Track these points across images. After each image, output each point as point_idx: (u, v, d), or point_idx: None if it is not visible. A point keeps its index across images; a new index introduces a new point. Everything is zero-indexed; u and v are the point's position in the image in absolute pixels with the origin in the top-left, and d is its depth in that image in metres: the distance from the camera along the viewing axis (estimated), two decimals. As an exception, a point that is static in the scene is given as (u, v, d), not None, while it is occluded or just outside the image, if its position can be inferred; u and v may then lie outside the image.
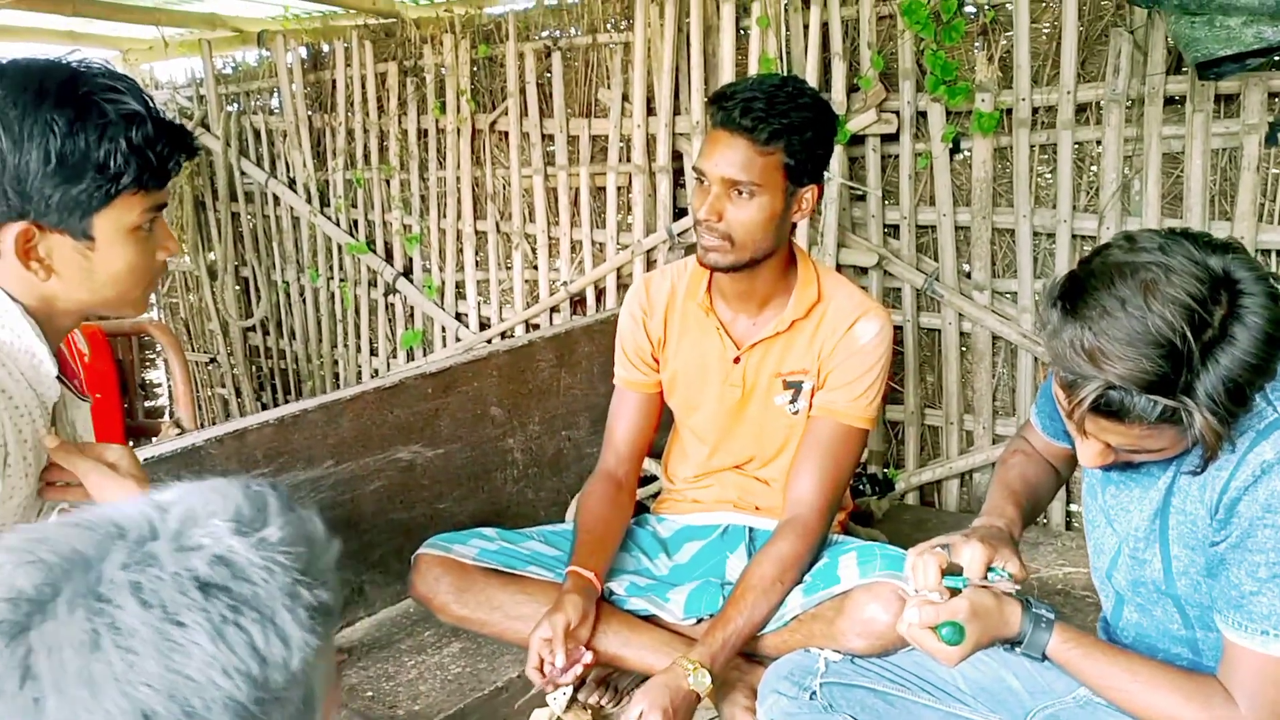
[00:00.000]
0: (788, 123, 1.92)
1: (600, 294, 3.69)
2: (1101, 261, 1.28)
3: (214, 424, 3.05)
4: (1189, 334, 1.18)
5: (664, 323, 2.25)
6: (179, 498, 0.72)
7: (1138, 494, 1.47)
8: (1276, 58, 2.45)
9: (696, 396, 2.24)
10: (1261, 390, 1.30)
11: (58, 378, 1.33)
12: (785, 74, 3.02)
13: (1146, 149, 2.67)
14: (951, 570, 1.48)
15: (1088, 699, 1.59)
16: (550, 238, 3.81)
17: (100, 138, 1.21)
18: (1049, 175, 2.88)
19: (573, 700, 2.08)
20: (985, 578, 1.46)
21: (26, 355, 1.29)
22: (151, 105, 1.27)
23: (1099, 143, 2.76)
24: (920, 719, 1.69)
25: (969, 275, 3.00)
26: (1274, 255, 2.60)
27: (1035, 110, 2.83)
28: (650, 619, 2.13)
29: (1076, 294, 1.26)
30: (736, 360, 2.16)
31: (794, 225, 2.08)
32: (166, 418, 4.63)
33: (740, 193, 1.95)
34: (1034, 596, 1.70)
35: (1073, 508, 2.95)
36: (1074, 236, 2.80)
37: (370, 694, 2.05)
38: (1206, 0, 2.27)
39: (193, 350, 5.30)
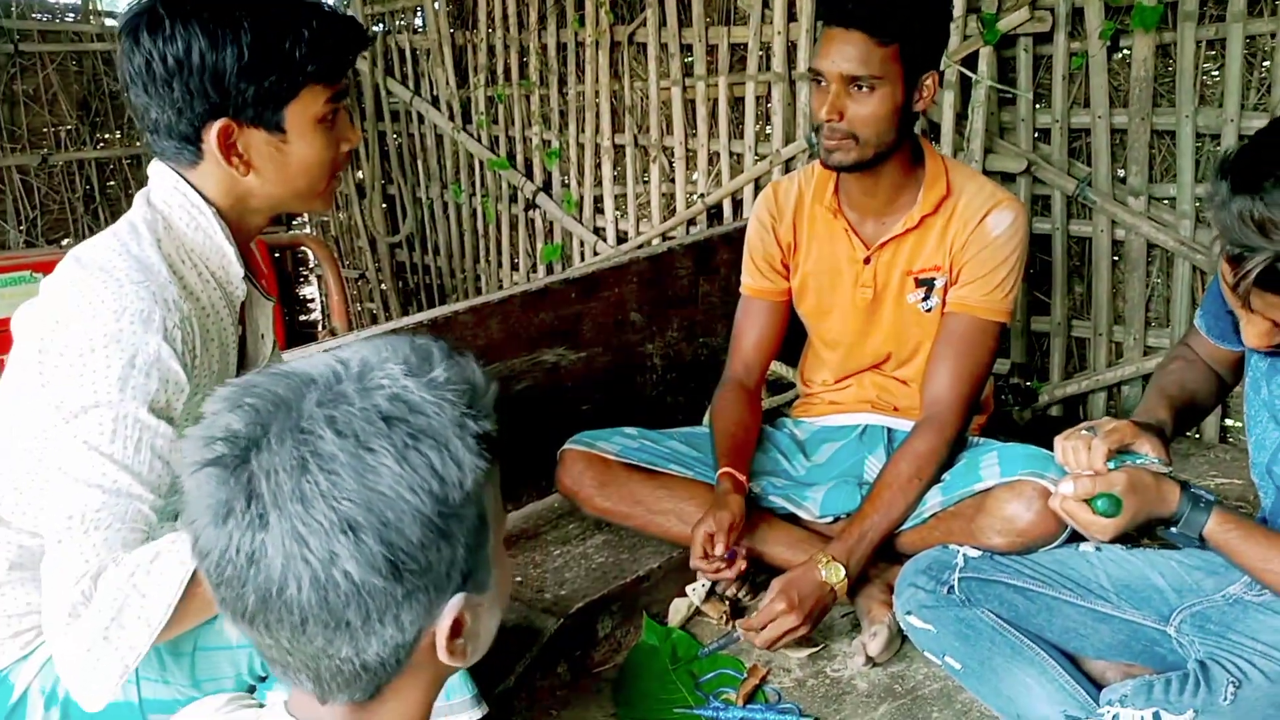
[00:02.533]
0: (902, 10, 1.90)
1: (737, 205, 3.69)
2: (1274, 132, 1.24)
3: (368, 330, 3.20)
4: None
5: (793, 228, 2.25)
6: (355, 351, 0.83)
7: None
8: None
9: (828, 300, 2.24)
10: None
11: (245, 277, 1.43)
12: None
13: (1326, 41, 2.50)
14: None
15: (1238, 597, 1.56)
16: (688, 150, 3.81)
17: (284, 32, 1.29)
18: (1216, 72, 2.73)
19: (710, 592, 2.15)
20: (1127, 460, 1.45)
21: (218, 255, 1.38)
22: (326, 1, 1.35)
23: (1273, 35, 2.59)
24: (1061, 614, 1.69)
25: (1124, 180, 2.88)
26: None
27: (1203, 3, 2.66)
28: (788, 517, 2.17)
29: (1248, 166, 1.23)
30: (867, 261, 2.15)
31: (917, 116, 2.05)
32: (321, 329, 4.88)
33: (860, 87, 1.92)
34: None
35: (1228, 422, 2.84)
36: (1241, 138, 2.64)
37: (519, 579, 2.16)
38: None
39: (343, 266, 5.52)
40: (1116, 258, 2.96)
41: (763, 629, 1.87)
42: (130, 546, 1.21)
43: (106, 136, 5.37)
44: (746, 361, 2.31)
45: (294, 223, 5.84)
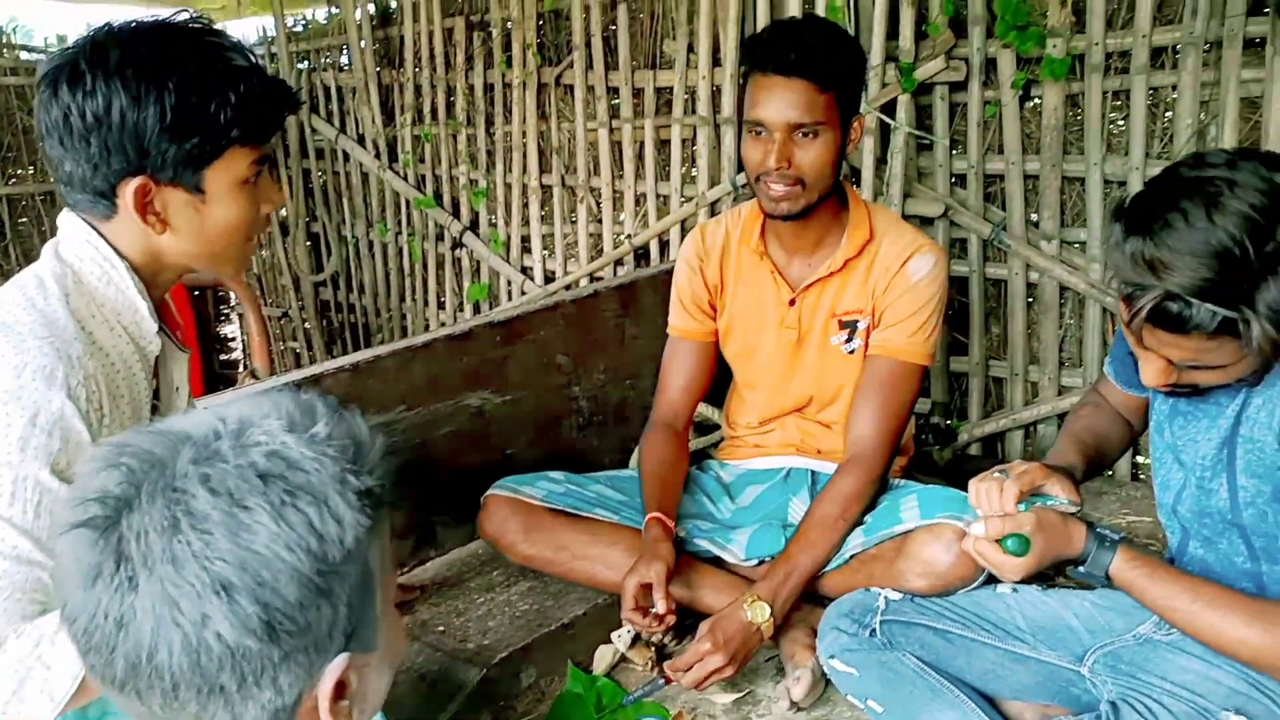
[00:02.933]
0: (838, 58, 1.97)
1: (664, 246, 3.71)
2: (1167, 178, 1.30)
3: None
4: (1249, 245, 1.19)
5: (720, 269, 2.27)
6: (237, 408, 0.82)
7: (1205, 424, 1.47)
8: (1363, -4, 2.37)
9: (754, 341, 2.26)
10: None
11: (160, 330, 1.40)
12: (804, 13, 3.05)
13: (1224, 94, 2.61)
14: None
15: (1147, 637, 1.60)
16: (615, 191, 3.83)
17: (210, 94, 1.26)
18: (1122, 122, 2.83)
19: (636, 638, 2.14)
20: (1038, 502, 1.50)
21: (130, 310, 1.35)
22: (256, 62, 1.32)
23: (1174, 88, 2.70)
24: (979, 656, 1.71)
25: (1037, 225, 2.96)
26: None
27: (1109, 55, 2.77)
28: (713, 561, 2.17)
29: (1141, 208, 1.28)
30: (792, 303, 2.18)
31: (844, 162, 2.10)
32: (242, 369, 4.78)
33: (805, 134, 1.96)
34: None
35: (1139, 459, 2.92)
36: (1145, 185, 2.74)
37: (441, 628, 2.13)
38: (1290, -63, 2.21)
39: (266, 305, 5.43)
40: (1031, 300, 3.04)
41: (689, 670, 1.86)
42: (29, 617, 1.17)
43: (19, 172, 5.23)
44: (673, 403, 2.32)
45: (215, 260, 5.74)
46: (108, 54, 1.24)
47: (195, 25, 1.31)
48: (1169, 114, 2.75)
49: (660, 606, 1.92)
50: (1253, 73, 2.58)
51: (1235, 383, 1.37)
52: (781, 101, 1.95)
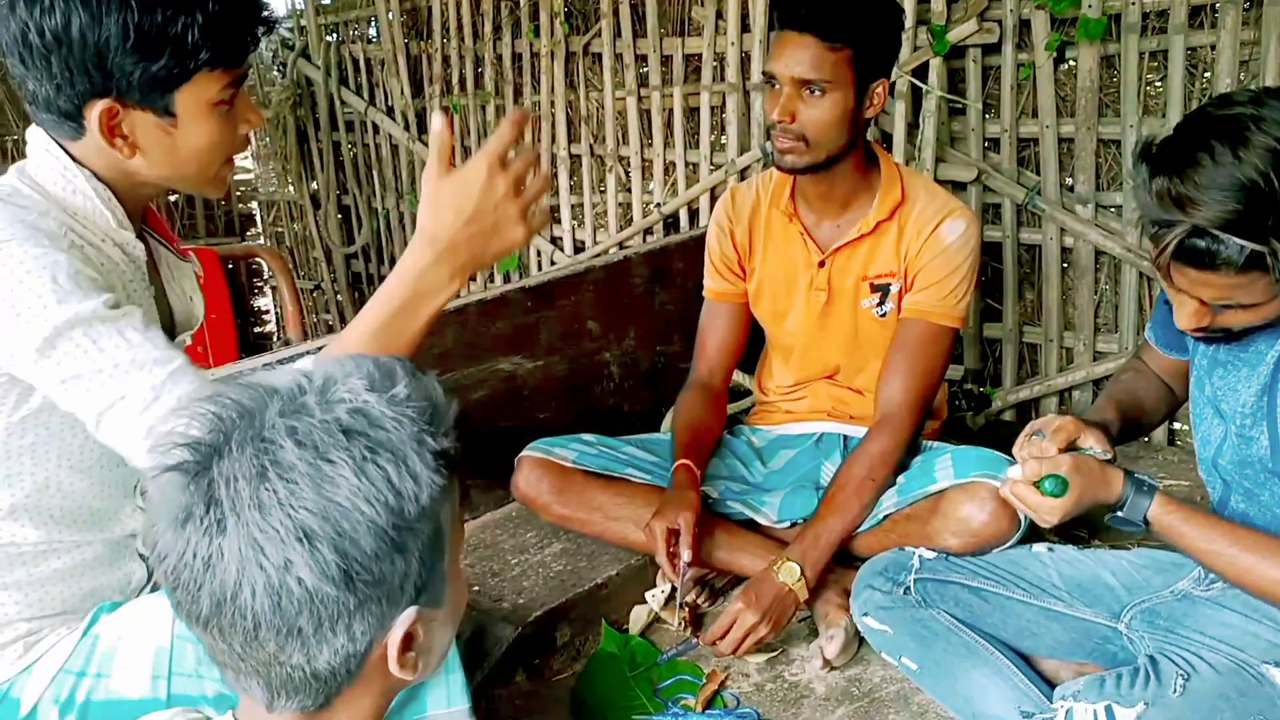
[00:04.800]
0: (854, 17, 1.94)
1: (694, 215, 3.70)
2: (1194, 118, 1.29)
3: (322, 341, 3.17)
4: (1275, 178, 1.18)
5: (749, 231, 2.27)
6: (319, 365, 0.85)
7: (1245, 373, 1.46)
8: None
9: (783, 303, 2.26)
10: None
11: (155, 238, 1.39)
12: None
13: (1264, 53, 2.56)
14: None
15: (1185, 592, 1.59)
16: (644, 159, 3.82)
17: (177, 13, 1.19)
18: (1159, 83, 2.79)
19: (669, 598, 2.15)
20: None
21: (101, 219, 1.31)
22: None
23: (1213, 47, 2.65)
24: (1014, 614, 1.71)
25: (1072, 189, 2.93)
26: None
27: (1145, 15, 2.72)
28: (746, 523, 2.18)
29: (1167, 147, 1.27)
30: (821, 264, 2.18)
31: (868, 122, 2.08)
32: (276, 340, 4.82)
33: (812, 91, 1.95)
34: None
35: (1176, 425, 2.90)
36: (1184, 146, 2.70)
37: (477, 588, 2.15)
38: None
39: (298, 277, 5.47)
40: (1065, 265, 3.01)
41: (724, 636, 1.88)
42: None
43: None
44: (710, 363, 2.33)
45: (247, 233, 5.79)
46: None
47: None
48: (1207, 74, 2.71)
49: (687, 555, 1.93)
50: (1294, 30, 2.53)
51: (1269, 326, 1.35)
52: (790, 56, 1.95)
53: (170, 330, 1.44)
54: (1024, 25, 2.90)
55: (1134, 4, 2.70)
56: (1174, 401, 1.84)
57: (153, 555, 0.79)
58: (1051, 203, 2.94)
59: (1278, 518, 1.49)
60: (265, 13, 1.30)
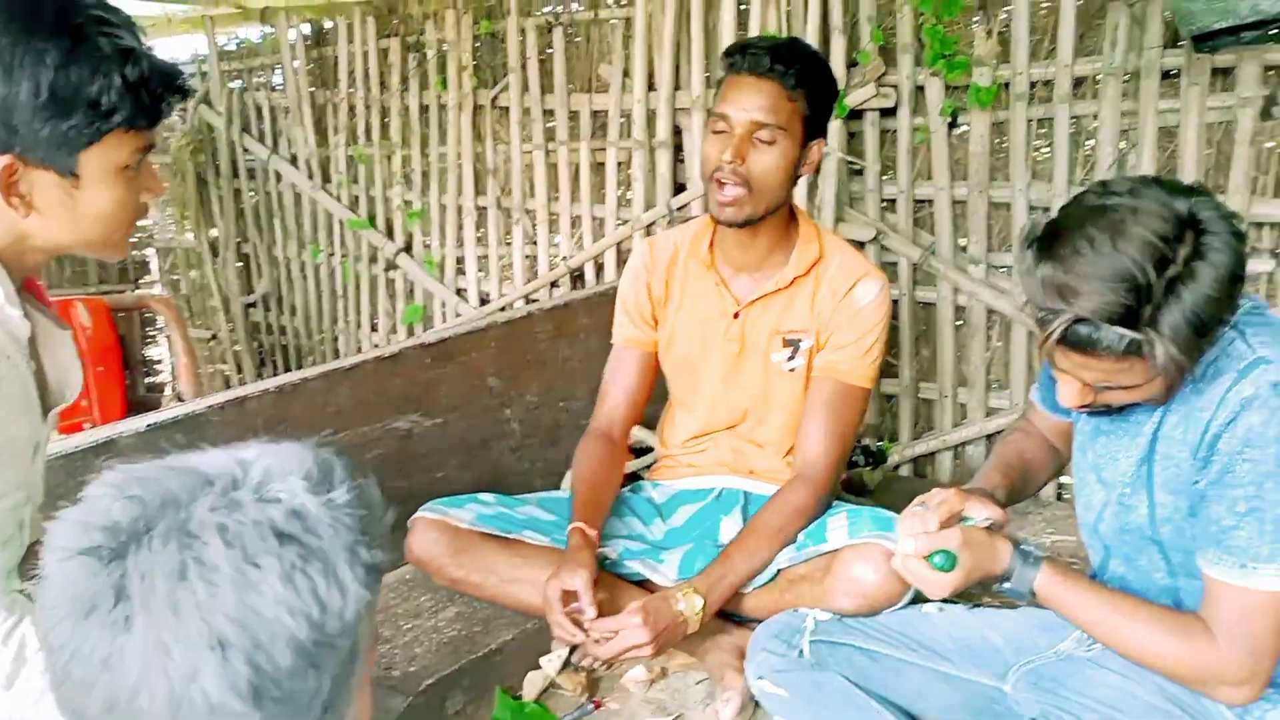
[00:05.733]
0: (809, 71, 2.00)
1: (600, 269, 3.71)
2: (1075, 206, 1.33)
3: (215, 395, 3.08)
4: (1152, 270, 1.23)
5: (665, 281, 2.28)
6: (259, 455, 0.79)
7: (1125, 442, 1.50)
8: (1271, 31, 2.45)
9: (695, 352, 2.27)
10: (1236, 329, 1.35)
11: (36, 305, 1.33)
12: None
13: (1142, 123, 2.68)
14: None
15: (1069, 653, 1.62)
16: (550, 213, 3.83)
17: (94, 73, 1.16)
18: (1045, 150, 2.90)
19: (566, 663, 2.12)
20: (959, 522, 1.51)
21: None
22: (146, 43, 1.23)
23: (1095, 117, 2.77)
24: (906, 676, 1.72)
25: (965, 249, 3.02)
26: (1267, 228, 2.61)
27: (1033, 84, 2.83)
28: (644, 584, 2.16)
29: (1051, 236, 1.31)
30: (736, 315, 2.19)
31: (795, 181, 2.11)
32: (168, 392, 4.68)
33: (763, 139, 1.98)
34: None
35: (1063, 480, 2.97)
36: (1069, 211, 2.80)
37: (367, 655, 2.08)
38: (1202, -27, 2.28)
39: (194, 327, 5.33)
40: (959, 323, 3.09)
41: (609, 640, 1.85)
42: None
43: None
44: (612, 411, 2.31)
45: (142, 280, 5.63)
46: None
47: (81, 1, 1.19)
48: (1090, 142, 2.82)
49: (590, 612, 1.89)
50: (1169, 103, 2.66)
51: (1146, 402, 1.40)
52: (748, 100, 1.98)
53: (44, 404, 1.37)
54: (919, 91, 2.99)
55: (1021, 74, 2.81)
56: (1060, 461, 1.88)
57: (44, 643, 0.73)
58: (945, 262, 3.01)
59: (1155, 582, 1.53)
60: (181, 80, 1.27)
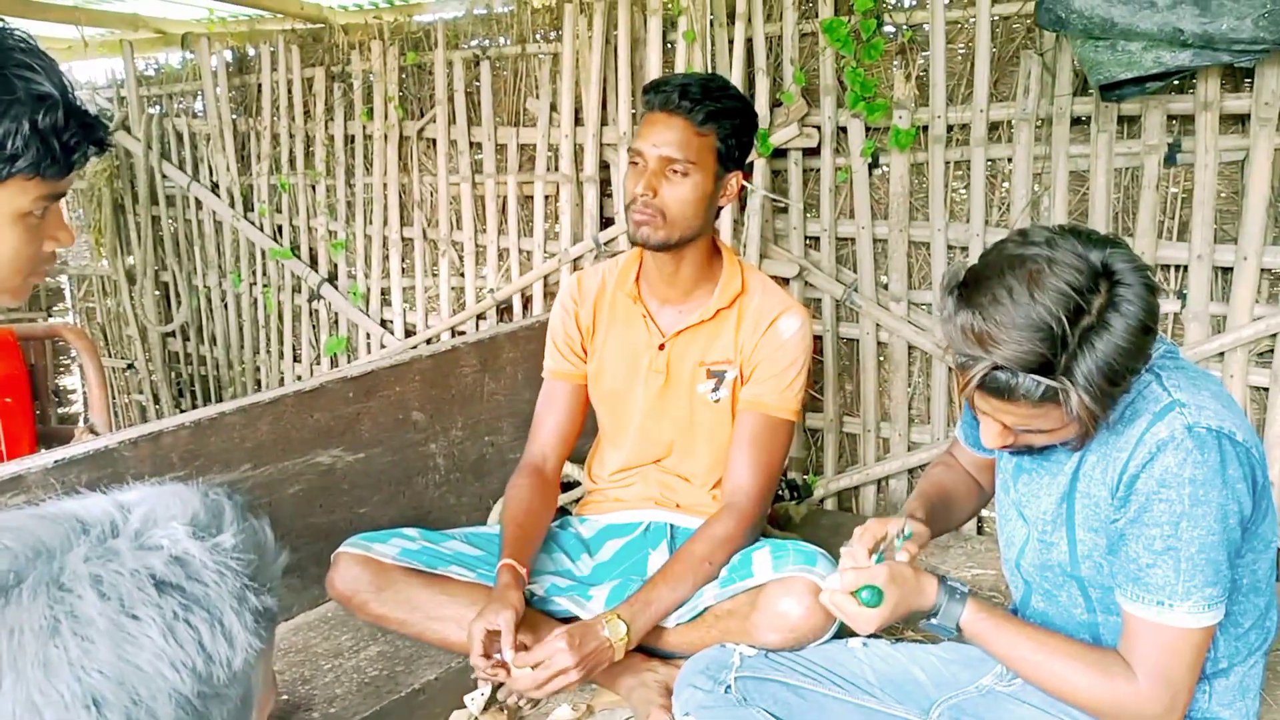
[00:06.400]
0: (721, 107, 2.05)
1: (527, 302, 3.71)
2: (995, 254, 1.37)
3: (129, 428, 2.99)
4: (1066, 321, 1.27)
5: (593, 313, 2.30)
6: (140, 499, 0.76)
7: (1046, 480, 1.54)
8: (1174, 81, 2.57)
9: (622, 383, 2.28)
10: (1152, 373, 1.40)
11: None
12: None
13: (1054, 166, 2.78)
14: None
15: (990, 688, 1.65)
16: (477, 245, 3.82)
17: (2, 115, 1.12)
18: (963, 190, 2.98)
19: (491, 700, 2.09)
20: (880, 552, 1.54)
21: None
22: (68, 90, 1.18)
23: (1010, 160, 2.86)
24: (830, 712, 1.73)
25: (886, 287, 3.08)
26: (1173, 270, 2.72)
27: (950, 128, 2.92)
28: (571, 620, 2.14)
29: (970, 284, 1.34)
30: (661, 347, 2.22)
31: (718, 212, 2.16)
32: (81, 424, 4.53)
33: (676, 171, 2.04)
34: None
35: (984, 513, 3.04)
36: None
37: (286, 697, 2.03)
38: (1109, 26, 2.38)
39: (109, 356, 5.18)
40: (881, 359, 3.15)
41: (535, 668, 1.83)
42: None
43: None
44: (544, 445, 2.31)
45: (55, 308, 5.46)
46: None
47: (7, 35, 1.15)
48: (1005, 184, 2.91)
49: (509, 655, 1.88)
50: (1079, 148, 2.75)
51: (1063, 445, 1.44)
52: (659, 136, 2.04)
53: None
54: (841, 132, 3.06)
55: (939, 117, 2.89)
56: (984, 496, 1.92)
57: None
58: (868, 299, 3.07)
59: (1074, 618, 1.57)
60: (100, 134, 1.22)
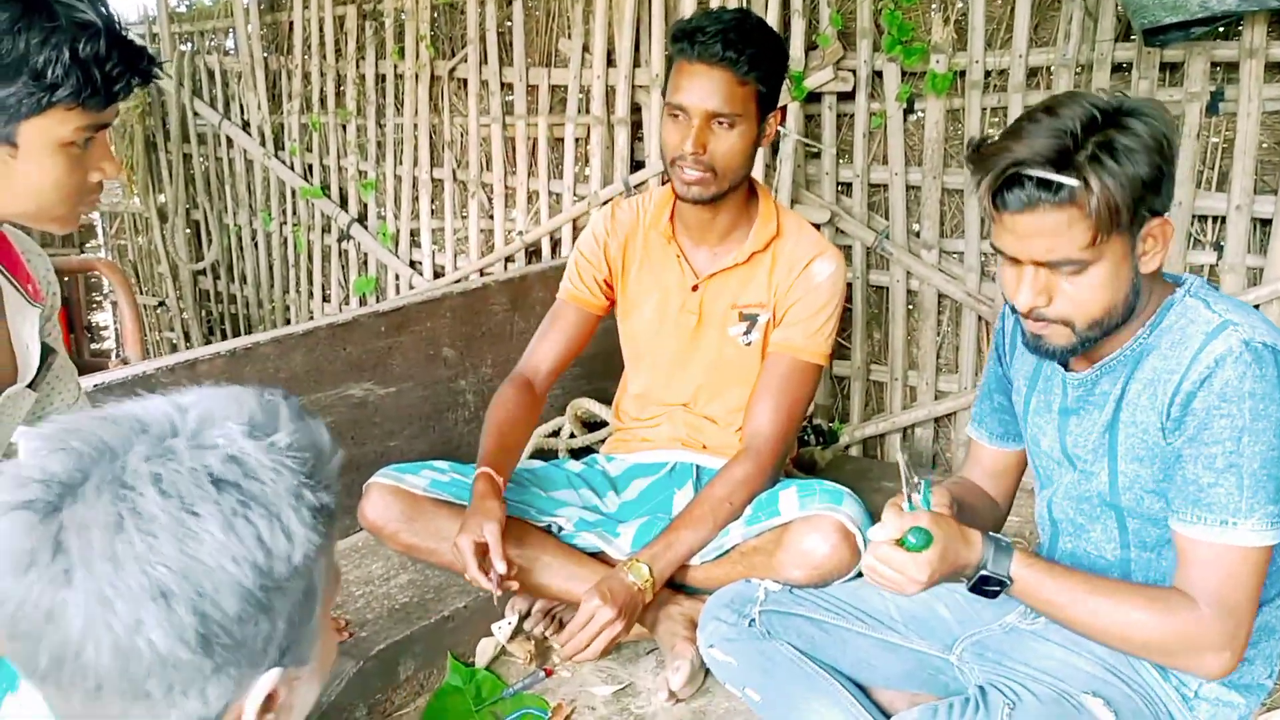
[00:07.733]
0: (760, 52, 1.99)
1: (556, 245, 3.71)
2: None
3: (163, 361, 3.03)
4: (1080, 127, 1.31)
5: (624, 247, 2.28)
6: (197, 400, 0.78)
7: (1095, 415, 1.52)
8: (1220, 27, 2.52)
9: (652, 323, 2.28)
10: (1197, 297, 1.42)
11: (4, 275, 1.31)
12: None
13: (1093, 114, 2.73)
14: None
15: (1013, 626, 1.66)
16: (507, 187, 3.81)
17: (43, 42, 1.12)
18: (999, 138, 2.94)
19: (518, 630, 2.13)
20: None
21: None
22: (113, 19, 1.18)
23: (1048, 107, 2.82)
24: (853, 646, 1.75)
25: (918, 234, 3.06)
26: (1211, 221, 2.69)
27: (988, 73, 2.88)
28: (598, 555, 2.17)
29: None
30: (695, 288, 2.21)
31: (757, 152, 2.13)
32: (113, 358, 4.59)
33: (722, 124, 1.99)
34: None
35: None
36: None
37: (318, 621, 2.07)
38: (1155, -32, 2.33)
39: (141, 293, 5.23)
40: (911, 307, 3.14)
41: (580, 631, 1.87)
42: None
43: None
44: (539, 361, 2.29)
45: (87, 245, 5.51)
46: None
47: None
48: (1043, 132, 2.87)
49: (500, 566, 1.89)
50: (1120, 95, 2.71)
51: (1111, 367, 1.44)
52: (702, 89, 1.98)
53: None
54: (876, 76, 3.02)
55: (977, 62, 2.85)
56: (997, 515, 1.84)
57: None
58: (899, 247, 3.06)
59: (1103, 557, 1.57)
60: (145, 64, 1.21)
